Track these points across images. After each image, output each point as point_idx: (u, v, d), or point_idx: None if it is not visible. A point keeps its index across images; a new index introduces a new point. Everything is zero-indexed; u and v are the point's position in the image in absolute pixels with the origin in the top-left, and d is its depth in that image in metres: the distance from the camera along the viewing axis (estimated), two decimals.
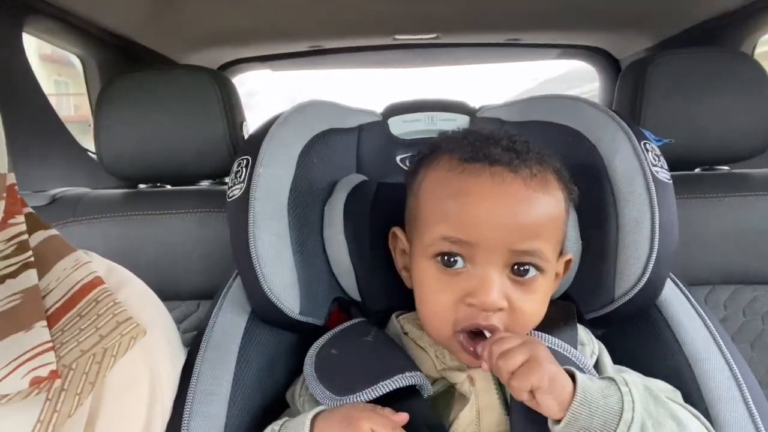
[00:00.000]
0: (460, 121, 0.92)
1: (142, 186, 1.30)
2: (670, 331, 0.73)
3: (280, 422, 0.62)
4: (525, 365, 0.55)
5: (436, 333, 0.64)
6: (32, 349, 0.51)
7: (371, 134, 0.87)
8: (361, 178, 0.81)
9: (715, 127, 1.15)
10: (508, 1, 1.58)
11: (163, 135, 1.17)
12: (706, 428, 0.61)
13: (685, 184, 1.13)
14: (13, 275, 0.54)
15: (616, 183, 0.72)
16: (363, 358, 0.66)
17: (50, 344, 0.52)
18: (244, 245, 0.69)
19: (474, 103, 0.98)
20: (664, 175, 0.73)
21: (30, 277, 0.55)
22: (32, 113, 1.42)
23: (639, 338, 0.74)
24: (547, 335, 0.65)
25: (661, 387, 0.65)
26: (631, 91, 1.16)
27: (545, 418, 0.57)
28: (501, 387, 0.62)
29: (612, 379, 0.58)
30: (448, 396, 0.64)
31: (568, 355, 0.62)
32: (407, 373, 0.62)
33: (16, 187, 0.57)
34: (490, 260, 0.60)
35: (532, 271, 0.62)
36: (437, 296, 0.62)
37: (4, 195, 0.55)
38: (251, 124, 1.26)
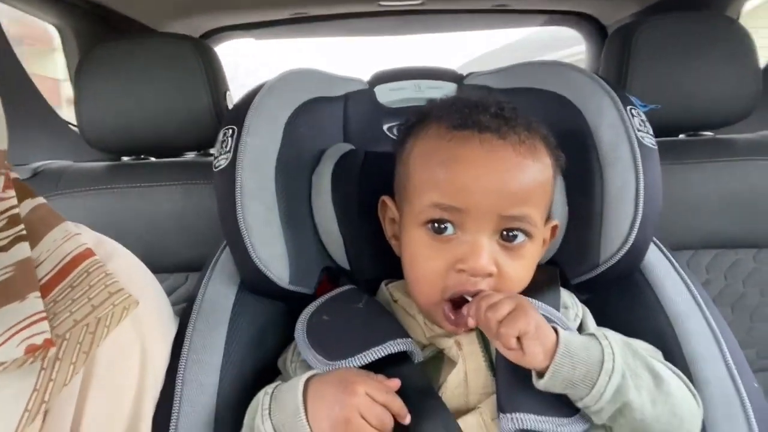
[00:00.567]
0: (447, 89, 0.91)
1: (125, 158, 1.29)
2: (653, 294, 0.74)
3: (273, 385, 0.63)
4: (512, 313, 0.57)
5: (424, 299, 0.65)
6: (26, 318, 0.51)
7: (358, 102, 0.86)
8: (348, 147, 0.80)
9: (701, 93, 1.15)
10: None
11: (145, 105, 1.15)
12: (684, 383, 0.63)
13: (670, 150, 1.14)
14: (5, 248, 0.54)
15: (601, 149, 0.72)
16: (354, 325, 0.67)
17: (44, 314, 0.52)
18: (232, 216, 0.69)
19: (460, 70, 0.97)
20: (650, 140, 0.73)
21: (22, 249, 0.55)
22: (10, 85, 1.39)
23: (623, 301, 0.76)
24: (530, 299, 0.66)
25: (643, 346, 0.67)
26: (617, 57, 1.16)
27: (529, 377, 0.58)
28: (487, 350, 0.64)
29: (592, 334, 0.60)
30: (437, 361, 0.66)
31: (551, 317, 0.63)
32: (398, 340, 0.63)
33: (6, 162, 0.57)
34: (479, 226, 0.61)
35: (521, 237, 0.63)
36: (427, 263, 0.63)
37: (3, 171, 0.56)
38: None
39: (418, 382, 0.62)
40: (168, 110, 1.16)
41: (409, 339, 0.64)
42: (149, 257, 1.15)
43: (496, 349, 0.61)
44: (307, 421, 0.57)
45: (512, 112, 0.64)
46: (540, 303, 0.65)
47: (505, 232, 0.62)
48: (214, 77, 1.19)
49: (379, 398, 0.57)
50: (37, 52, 2.02)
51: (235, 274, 0.75)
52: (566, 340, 0.57)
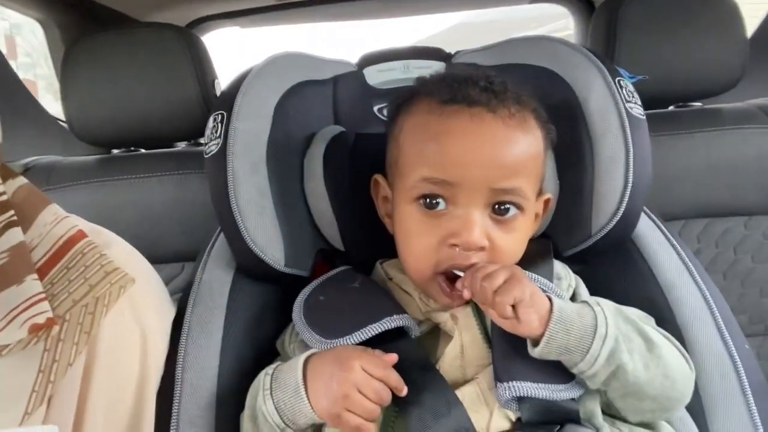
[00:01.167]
0: (436, 68, 0.91)
1: (115, 151, 1.28)
2: (644, 263, 0.75)
3: (273, 366, 0.64)
4: (507, 282, 0.58)
5: (417, 275, 0.66)
6: (26, 300, 0.52)
7: (347, 85, 0.86)
8: (338, 129, 0.81)
9: (688, 64, 1.16)
10: None
11: (133, 97, 1.14)
12: (676, 347, 0.64)
13: (659, 121, 1.14)
14: None
15: (591, 121, 0.73)
16: (351, 303, 0.67)
17: (43, 294, 0.53)
18: (224, 200, 0.69)
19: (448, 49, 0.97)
20: (638, 111, 0.74)
21: (15, 234, 0.55)
22: None
23: (615, 271, 0.77)
24: (524, 270, 0.66)
25: (635, 313, 0.68)
26: (604, 31, 1.16)
27: (525, 347, 0.59)
28: (482, 323, 0.65)
29: (585, 302, 0.61)
30: (434, 335, 0.66)
31: (544, 288, 0.64)
32: (394, 316, 0.64)
33: None
34: (471, 200, 0.61)
35: (513, 210, 0.63)
36: (419, 238, 0.64)
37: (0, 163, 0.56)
38: None
39: (415, 356, 0.62)
40: (156, 101, 1.15)
41: (405, 315, 0.65)
42: (144, 248, 1.15)
43: (492, 321, 0.62)
44: (308, 398, 0.58)
45: (502, 85, 0.64)
46: (533, 274, 0.65)
47: (496, 206, 0.62)
48: (201, 66, 1.18)
49: (376, 373, 0.57)
50: None
51: (230, 259, 0.75)
52: (560, 307, 0.58)
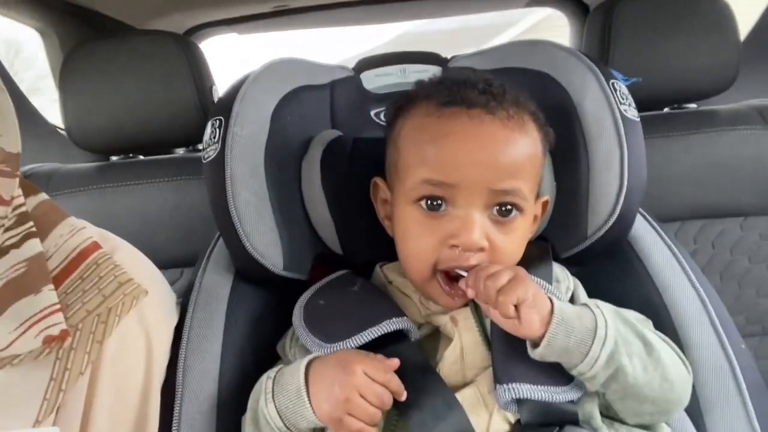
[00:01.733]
0: (433, 72, 0.92)
1: (114, 158, 1.28)
2: (641, 264, 0.76)
3: (275, 369, 0.64)
4: (510, 282, 0.58)
5: (417, 275, 0.66)
6: (41, 311, 0.53)
7: (344, 90, 0.87)
8: (336, 133, 0.81)
9: (683, 66, 1.16)
10: None
11: (131, 104, 1.15)
12: (674, 350, 0.65)
13: (654, 123, 1.15)
14: (16, 245, 0.56)
15: (585, 123, 0.73)
16: (351, 307, 0.67)
17: (58, 306, 0.53)
18: (223, 205, 0.70)
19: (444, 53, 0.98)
20: (632, 113, 0.74)
21: (33, 245, 0.56)
22: None
23: (612, 273, 0.77)
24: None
25: (633, 316, 0.68)
26: (598, 33, 1.17)
27: (524, 349, 0.60)
28: (482, 325, 0.65)
29: (585, 304, 0.61)
30: (434, 338, 0.67)
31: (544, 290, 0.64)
32: (394, 319, 0.64)
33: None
34: (471, 201, 0.62)
35: (512, 211, 0.64)
36: (419, 239, 0.64)
37: (18, 173, 0.57)
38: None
39: (415, 359, 0.63)
40: (154, 108, 1.15)
41: (405, 317, 0.65)
42: (143, 254, 1.16)
43: (492, 323, 0.62)
44: (310, 402, 0.58)
45: (500, 88, 0.65)
46: (533, 277, 0.66)
47: (496, 207, 0.63)
48: (198, 73, 1.19)
49: (377, 377, 0.58)
50: None
51: (230, 264, 0.76)
52: (560, 309, 0.58)
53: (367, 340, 0.63)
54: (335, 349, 0.63)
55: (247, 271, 0.74)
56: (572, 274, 0.73)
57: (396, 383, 0.58)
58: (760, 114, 1.18)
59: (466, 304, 0.66)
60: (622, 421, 0.63)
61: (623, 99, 0.74)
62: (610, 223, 0.71)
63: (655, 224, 0.80)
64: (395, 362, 0.59)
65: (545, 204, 0.72)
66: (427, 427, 0.58)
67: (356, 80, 0.90)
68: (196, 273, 0.76)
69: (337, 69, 0.88)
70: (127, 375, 0.61)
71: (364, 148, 0.78)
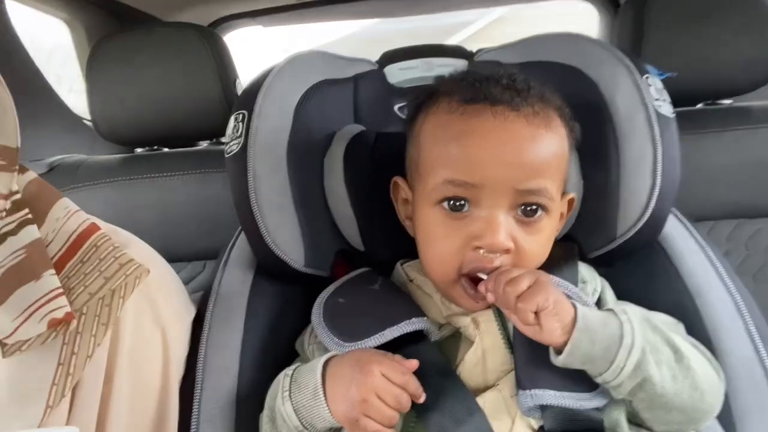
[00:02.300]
0: (458, 66, 0.90)
1: (139, 150, 1.30)
2: (672, 266, 0.73)
3: (293, 367, 0.63)
4: (531, 288, 0.56)
5: (440, 278, 0.65)
6: (44, 295, 0.53)
7: (367, 84, 0.85)
8: (359, 128, 0.80)
9: (717, 60, 1.13)
10: None
11: (156, 96, 1.15)
12: (705, 357, 0.62)
13: (687, 119, 1.11)
14: (13, 232, 0.56)
15: (617, 120, 0.71)
16: (370, 306, 0.67)
17: (61, 289, 0.54)
18: (245, 200, 0.69)
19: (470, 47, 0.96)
20: (667, 109, 0.72)
21: (30, 232, 0.56)
22: (22, 82, 1.40)
23: (642, 274, 0.75)
24: (550, 275, 0.65)
25: (663, 319, 0.66)
26: (630, 26, 1.14)
27: (548, 354, 0.58)
28: (504, 328, 0.63)
29: (610, 310, 0.59)
30: (455, 340, 0.65)
31: (568, 293, 0.63)
32: (414, 319, 0.63)
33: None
34: (495, 202, 0.60)
35: (538, 212, 0.62)
36: (442, 242, 0.62)
37: (16, 167, 0.57)
38: None
39: (435, 361, 0.62)
40: (178, 100, 1.16)
41: (425, 318, 0.64)
42: (166, 247, 1.16)
43: (514, 326, 0.60)
44: (326, 401, 0.57)
45: (524, 83, 0.63)
46: (558, 279, 0.64)
47: (521, 207, 0.61)
48: (223, 65, 1.19)
49: (396, 379, 0.57)
50: None
51: (251, 259, 0.75)
52: (584, 316, 0.56)
53: (385, 340, 0.62)
54: (353, 348, 0.62)
55: (268, 266, 0.73)
56: (600, 274, 0.71)
57: (414, 385, 0.57)
58: None
59: (488, 306, 0.64)
60: (649, 429, 0.61)
61: (658, 94, 0.72)
62: (641, 223, 0.69)
63: (688, 224, 0.77)
64: (414, 363, 0.58)
65: (571, 201, 0.70)
66: (446, 431, 0.57)
67: (380, 74, 0.88)
68: (217, 267, 0.76)
69: (360, 62, 0.87)
70: (144, 370, 0.61)
71: (387, 143, 0.77)
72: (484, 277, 0.60)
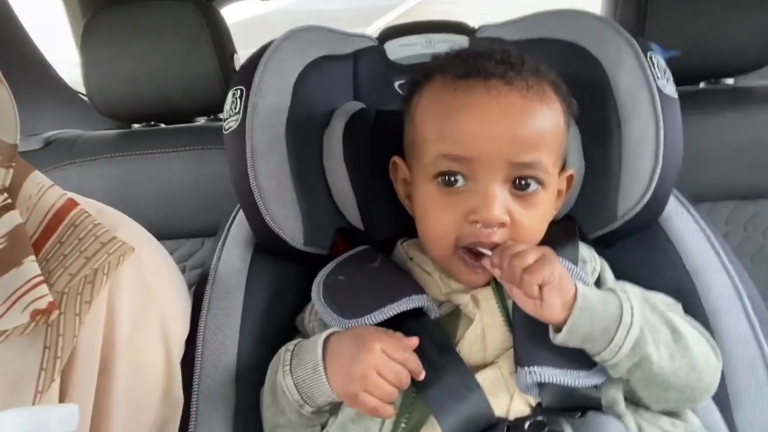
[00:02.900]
0: (459, 42, 0.88)
1: (136, 126, 1.28)
2: (672, 246, 0.73)
3: (294, 342, 0.64)
4: (537, 262, 0.57)
5: (438, 252, 0.65)
6: (26, 283, 0.51)
7: (367, 60, 0.84)
8: (359, 105, 0.79)
9: (720, 39, 1.11)
10: None
11: (151, 70, 1.14)
12: (704, 337, 0.63)
13: (689, 99, 1.10)
14: None
15: (620, 99, 0.70)
16: (370, 283, 0.67)
17: (41, 277, 0.51)
18: (243, 177, 0.69)
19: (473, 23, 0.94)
20: (671, 89, 0.71)
21: (12, 218, 0.54)
22: (18, 57, 1.38)
23: (642, 254, 0.75)
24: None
25: (662, 299, 0.66)
26: (634, 4, 1.12)
27: (547, 332, 0.58)
28: (504, 306, 0.64)
29: (610, 289, 0.60)
30: (454, 317, 0.65)
31: (569, 272, 0.63)
32: (413, 296, 0.63)
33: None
34: (490, 175, 0.60)
35: (534, 185, 0.62)
36: (439, 216, 0.63)
37: (12, 164, 0.55)
38: None
39: (435, 338, 0.62)
40: (174, 74, 1.14)
41: (425, 295, 0.64)
42: (165, 223, 1.16)
43: (514, 304, 0.61)
44: (326, 376, 0.58)
45: (518, 58, 0.63)
46: (559, 258, 0.64)
47: (517, 181, 0.61)
48: (219, 39, 1.17)
49: (396, 356, 0.57)
50: None
51: (249, 236, 0.75)
52: (584, 294, 0.57)
53: (386, 317, 0.62)
54: (354, 324, 0.62)
55: (267, 244, 0.73)
56: (600, 254, 0.71)
57: (414, 362, 0.58)
58: None
59: (487, 283, 0.65)
60: (646, 407, 0.62)
61: (661, 73, 0.71)
62: (642, 204, 0.69)
63: (689, 205, 0.77)
64: (414, 341, 0.59)
65: (570, 178, 0.69)
66: (445, 407, 0.58)
67: (380, 50, 0.87)
68: (216, 245, 0.75)
69: (360, 38, 0.86)
70: (144, 356, 0.60)
71: (387, 120, 0.76)
72: (487, 252, 0.60)
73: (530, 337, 0.60)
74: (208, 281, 0.71)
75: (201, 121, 1.33)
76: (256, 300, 0.71)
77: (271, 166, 0.69)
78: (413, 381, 0.58)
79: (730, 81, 1.21)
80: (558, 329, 0.57)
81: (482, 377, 0.60)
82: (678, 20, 1.10)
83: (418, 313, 0.64)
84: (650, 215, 0.71)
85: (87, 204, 0.62)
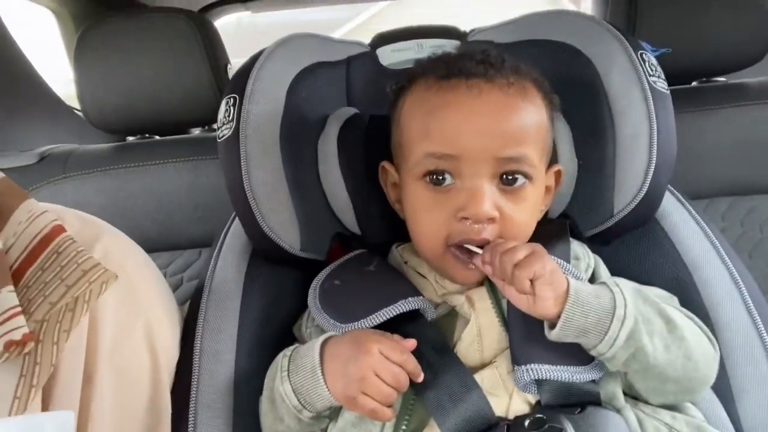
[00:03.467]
0: (450, 47, 0.89)
1: (130, 138, 1.28)
2: (669, 242, 0.73)
3: (291, 348, 0.63)
4: (528, 257, 0.57)
5: (429, 252, 0.65)
6: (2, 314, 0.50)
7: (360, 66, 0.85)
8: (352, 110, 0.79)
9: (712, 38, 1.12)
10: None
11: (145, 83, 1.14)
12: (699, 328, 0.63)
13: (682, 97, 1.11)
14: None
15: (612, 96, 0.70)
16: (366, 287, 0.67)
17: (19, 308, 0.50)
18: (238, 185, 0.69)
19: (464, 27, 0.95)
20: (662, 85, 0.71)
21: None
22: (11, 72, 1.38)
23: (639, 251, 0.75)
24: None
25: (657, 293, 0.66)
26: (624, 3, 1.13)
27: (541, 330, 0.58)
28: (499, 306, 0.63)
29: (603, 283, 0.60)
30: (451, 319, 0.65)
31: (561, 268, 0.63)
32: (410, 298, 0.63)
33: None
34: (477, 171, 0.60)
35: (521, 179, 0.62)
36: (428, 215, 0.63)
37: None
38: None
39: (433, 340, 0.62)
40: (168, 86, 1.15)
41: (421, 297, 0.64)
42: (162, 235, 1.15)
43: (508, 303, 0.60)
44: (324, 380, 0.57)
45: (498, 58, 0.64)
46: (551, 256, 0.64)
47: (504, 176, 0.61)
48: (213, 51, 1.17)
49: (394, 357, 0.57)
50: None
51: (246, 244, 0.75)
52: (576, 288, 0.57)
53: (382, 320, 0.62)
54: (351, 329, 0.62)
55: (263, 251, 0.73)
56: (596, 252, 0.71)
57: (412, 364, 0.58)
58: None
59: (481, 283, 0.65)
60: (646, 401, 0.62)
61: (652, 70, 0.71)
62: (638, 200, 0.69)
63: (685, 200, 0.77)
64: (412, 343, 0.59)
65: (558, 174, 0.70)
66: (445, 409, 0.57)
67: (372, 56, 0.87)
68: (211, 253, 0.75)
69: (352, 45, 0.86)
70: (129, 364, 0.59)
71: (380, 125, 0.76)
72: (477, 250, 0.60)
73: (526, 335, 0.60)
74: (204, 290, 0.71)
75: (196, 132, 1.33)
76: (252, 307, 0.71)
77: (265, 173, 0.69)
78: (412, 383, 0.58)
79: (721, 79, 1.21)
80: (552, 325, 0.57)
81: (481, 377, 0.59)
82: (668, 20, 1.11)
83: (415, 315, 0.63)
84: (646, 211, 0.71)
85: (71, 214, 0.61)
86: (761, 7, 1.12)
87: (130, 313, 0.60)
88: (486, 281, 0.64)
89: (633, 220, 0.71)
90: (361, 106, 0.82)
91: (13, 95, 1.36)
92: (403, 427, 0.59)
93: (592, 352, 0.58)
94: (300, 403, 0.59)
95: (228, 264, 0.73)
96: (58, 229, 0.57)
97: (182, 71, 1.15)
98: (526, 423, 0.56)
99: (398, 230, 0.72)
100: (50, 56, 1.65)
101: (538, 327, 0.58)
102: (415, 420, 0.59)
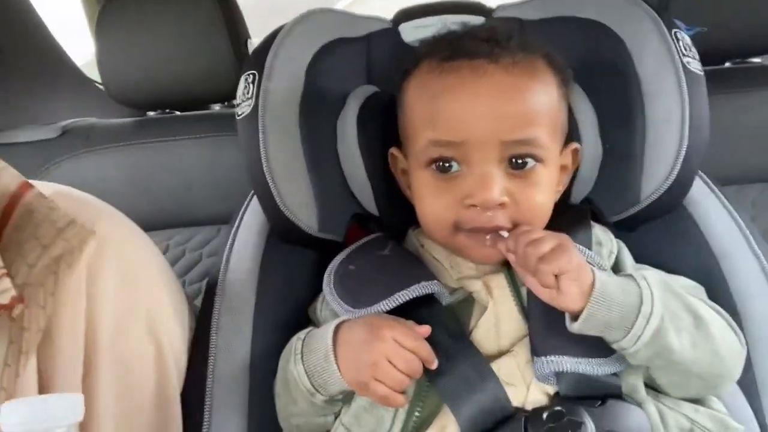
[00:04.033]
0: (474, 23, 0.86)
1: (151, 113, 1.28)
2: (698, 229, 0.71)
3: (305, 331, 0.63)
4: (554, 250, 0.55)
5: (439, 236, 0.64)
6: None
7: (381, 42, 0.82)
8: (373, 89, 0.78)
9: (747, 16, 1.08)
10: None
11: (166, 57, 1.14)
12: (726, 322, 0.61)
13: (715, 79, 1.06)
14: None
15: (644, 77, 0.68)
16: (380, 271, 0.66)
17: (4, 270, 0.48)
18: (256, 163, 0.68)
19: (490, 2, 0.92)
20: (696, 66, 0.68)
21: None
22: (35, 46, 1.39)
23: (666, 238, 0.73)
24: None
25: (684, 283, 0.64)
26: None
27: (563, 321, 0.56)
28: (518, 294, 0.62)
29: (630, 275, 0.58)
30: (468, 305, 0.64)
31: (584, 256, 0.61)
32: (424, 282, 0.62)
33: None
34: (484, 157, 0.59)
35: (531, 162, 0.60)
36: (435, 202, 0.61)
37: None
38: None
39: (448, 326, 0.61)
40: (189, 61, 1.14)
41: (436, 281, 0.63)
42: (181, 211, 1.16)
43: (528, 291, 0.59)
44: (337, 365, 0.57)
45: (505, 34, 0.61)
46: (576, 244, 0.62)
47: (513, 159, 0.59)
48: (234, 26, 1.16)
49: (407, 344, 0.56)
50: None
51: (263, 224, 0.75)
52: (602, 282, 0.55)
53: (396, 304, 0.61)
54: (364, 314, 0.61)
55: (281, 230, 0.72)
56: (620, 238, 0.69)
57: (426, 350, 0.56)
58: None
59: (499, 268, 0.63)
60: (667, 394, 0.60)
61: (686, 50, 0.68)
62: (667, 185, 0.67)
63: (715, 187, 0.75)
64: (426, 329, 0.57)
65: (575, 152, 0.67)
66: (459, 397, 0.57)
67: (394, 32, 0.85)
68: (229, 232, 0.75)
69: (374, 20, 0.84)
70: (131, 354, 0.58)
71: None
72: (502, 233, 0.59)
73: (546, 325, 0.58)
74: (221, 269, 0.71)
75: (216, 107, 1.33)
76: (270, 287, 0.71)
77: (284, 151, 0.69)
78: (426, 370, 0.57)
79: (757, 60, 1.17)
80: (574, 317, 0.55)
81: (498, 366, 0.58)
82: None
83: (430, 300, 0.62)
84: (675, 197, 0.69)
85: (68, 194, 0.59)
86: None
87: (130, 301, 0.58)
88: (504, 267, 0.63)
89: (660, 207, 0.68)
90: (381, 84, 0.80)
91: (36, 68, 1.37)
92: (417, 414, 0.58)
93: (615, 347, 0.56)
94: (313, 386, 0.59)
95: (245, 244, 0.73)
96: (25, 186, 0.54)
97: (203, 46, 1.15)
98: (545, 415, 0.54)
99: (416, 211, 0.71)
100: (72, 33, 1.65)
101: (558, 317, 0.57)
102: (428, 407, 0.58)
